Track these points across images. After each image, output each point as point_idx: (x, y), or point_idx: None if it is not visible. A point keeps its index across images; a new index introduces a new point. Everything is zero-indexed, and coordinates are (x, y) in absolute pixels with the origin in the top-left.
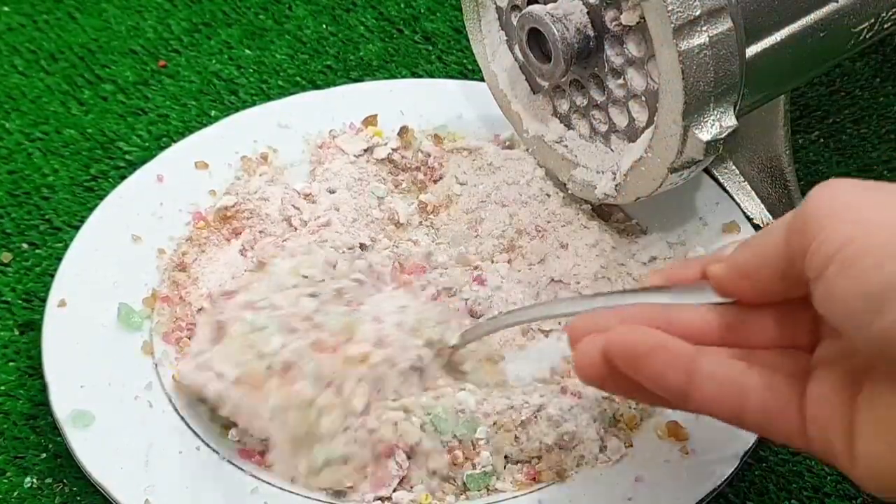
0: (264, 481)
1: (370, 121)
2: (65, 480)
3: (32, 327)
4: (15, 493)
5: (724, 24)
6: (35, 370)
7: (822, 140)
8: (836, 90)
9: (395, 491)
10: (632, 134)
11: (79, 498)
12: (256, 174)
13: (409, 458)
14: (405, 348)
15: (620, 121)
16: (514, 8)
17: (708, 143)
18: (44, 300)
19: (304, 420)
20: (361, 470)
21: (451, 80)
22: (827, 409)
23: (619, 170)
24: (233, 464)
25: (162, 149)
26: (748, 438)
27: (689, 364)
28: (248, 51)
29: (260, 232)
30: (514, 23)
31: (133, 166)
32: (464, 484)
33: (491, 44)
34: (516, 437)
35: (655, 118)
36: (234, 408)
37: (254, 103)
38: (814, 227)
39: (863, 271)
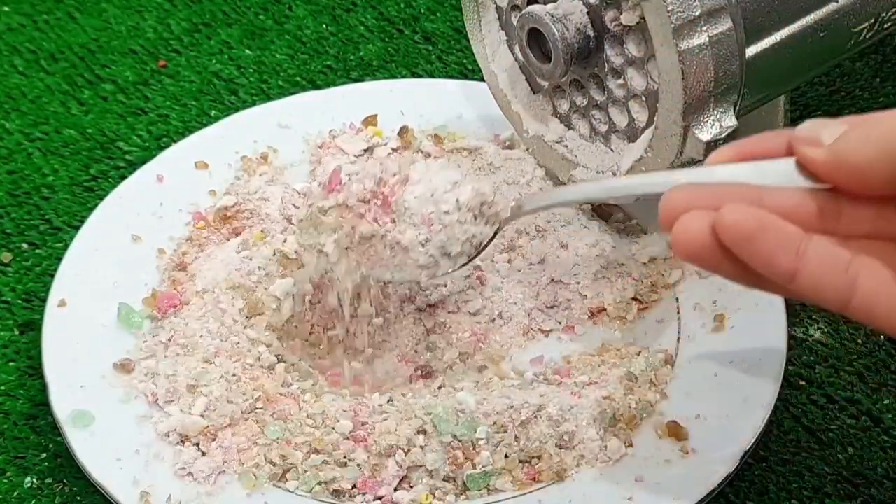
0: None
1: (370, 121)
2: (65, 480)
3: (32, 327)
4: (15, 493)
5: (724, 24)
6: (35, 370)
7: None
8: (836, 90)
9: (395, 491)
10: (632, 134)
11: (79, 498)
12: (256, 174)
13: (408, 458)
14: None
15: (620, 121)
16: (514, 8)
17: (708, 143)
18: (44, 300)
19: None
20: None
21: (451, 80)
22: None
23: (619, 170)
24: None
25: (162, 149)
26: (748, 438)
27: (798, 246)
28: (248, 51)
29: (260, 231)
30: (514, 23)
31: (133, 166)
32: (464, 484)
33: (491, 44)
34: (516, 437)
35: (655, 118)
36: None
37: (254, 103)
38: None
39: None
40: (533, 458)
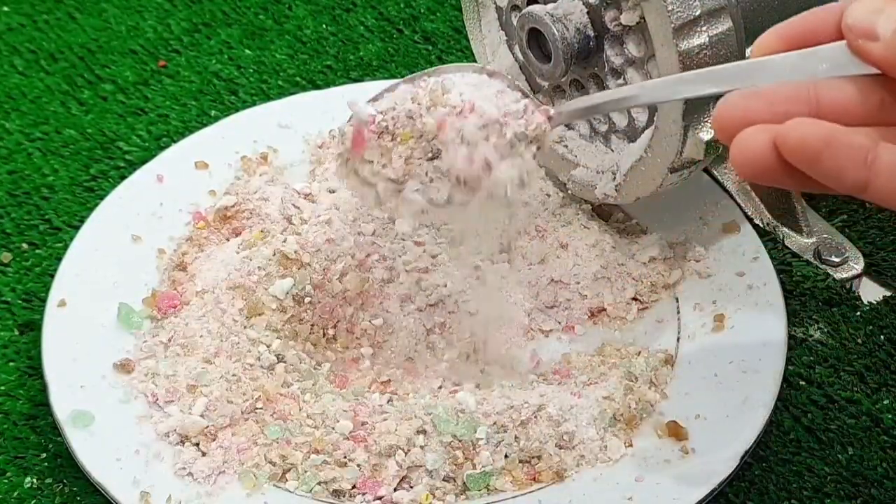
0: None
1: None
2: (65, 480)
3: (32, 327)
4: (15, 493)
5: (724, 24)
6: (35, 370)
7: None
8: None
9: (395, 491)
10: (632, 134)
11: (79, 498)
12: (256, 174)
13: (408, 458)
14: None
15: (620, 121)
16: (514, 8)
17: (708, 143)
18: (44, 300)
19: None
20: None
21: None
22: None
23: (619, 170)
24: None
25: (162, 149)
26: (748, 438)
27: (867, 157)
28: (248, 51)
29: (260, 231)
30: (514, 23)
31: (133, 166)
32: (464, 484)
33: (491, 44)
34: (516, 437)
35: (655, 118)
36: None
37: (254, 103)
38: None
39: None
40: (533, 458)
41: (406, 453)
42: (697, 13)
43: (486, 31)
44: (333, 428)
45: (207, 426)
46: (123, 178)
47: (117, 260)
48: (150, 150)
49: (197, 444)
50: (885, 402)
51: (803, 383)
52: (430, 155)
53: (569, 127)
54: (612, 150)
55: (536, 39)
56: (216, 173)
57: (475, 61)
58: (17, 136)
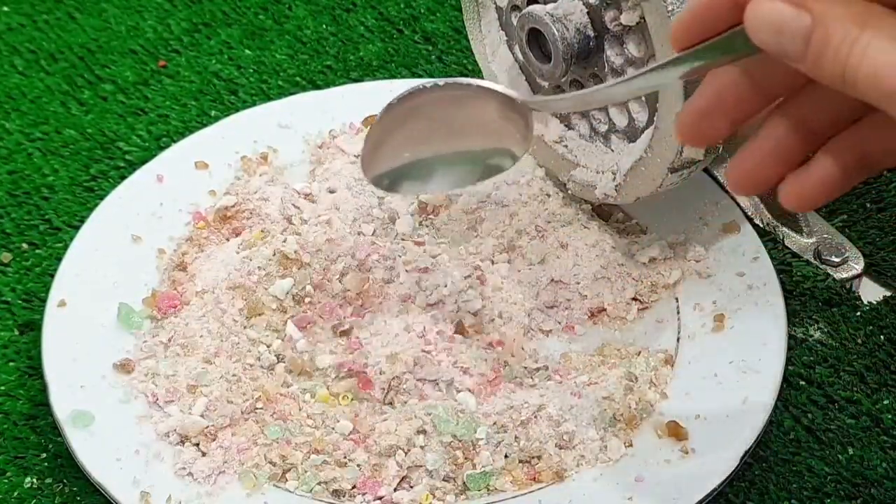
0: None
1: (370, 121)
2: (65, 480)
3: (32, 327)
4: (15, 493)
5: None
6: (35, 370)
7: None
8: None
9: (395, 491)
10: (632, 134)
11: (79, 498)
12: (256, 174)
13: (408, 458)
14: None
15: (620, 121)
16: (514, 8)
17: None
18: (44, 300)
19: None
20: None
21: None
22: None
23: (619, 170)
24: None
25: (162, 149)
26: (748, 438)
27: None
28: (248, 51)
29: (260, 231)
30: (514, 23)
31: (133, 166)
32: (464, 484)
33: (491, 44)
34: (516, 437)
35: (655, 118)
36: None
37: (254, 103)
38: None
39: None
40: (533, 458)
41: (406, 453)
42: None
43: (486, 31)
44: (333, 428)
45: (207, 426)
46: (123, 178)
47: (117, 260)
48: (150, 150)
49: (197, 444)
50: (885, 402)
51: (803, 383)
52: None
53: (569, 127)
54: (612, 150)
55: (536, 39)
56: (216, 173)
57: (475, 61)
58: (17, 136)
